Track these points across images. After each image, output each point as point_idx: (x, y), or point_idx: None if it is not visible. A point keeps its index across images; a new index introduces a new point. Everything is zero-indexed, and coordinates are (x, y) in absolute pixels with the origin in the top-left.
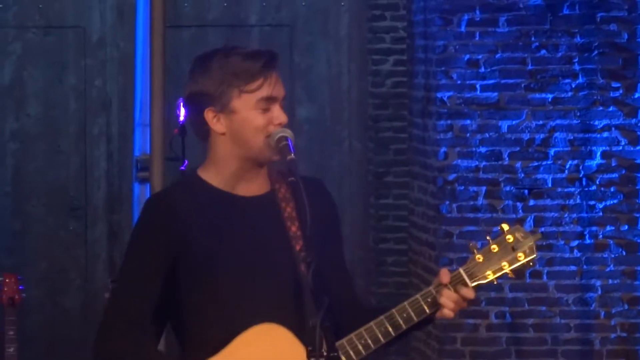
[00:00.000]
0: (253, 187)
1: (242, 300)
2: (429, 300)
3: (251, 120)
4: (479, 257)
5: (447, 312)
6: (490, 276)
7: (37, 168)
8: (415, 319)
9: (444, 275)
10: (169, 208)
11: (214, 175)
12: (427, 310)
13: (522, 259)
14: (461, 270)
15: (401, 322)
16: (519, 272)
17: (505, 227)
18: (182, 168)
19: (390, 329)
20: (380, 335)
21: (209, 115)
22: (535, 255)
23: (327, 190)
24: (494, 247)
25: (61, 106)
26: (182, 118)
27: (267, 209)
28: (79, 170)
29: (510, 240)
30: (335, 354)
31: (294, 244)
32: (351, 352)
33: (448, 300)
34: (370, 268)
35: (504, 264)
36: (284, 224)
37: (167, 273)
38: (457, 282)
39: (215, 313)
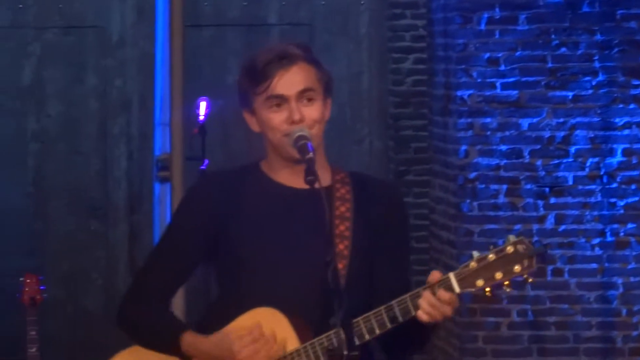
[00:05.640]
0: None
1: (266, 287)
2: (416, 301)
3: (266, 120)
4: (473, 264)
5: (421, 314)
6: (481, 284)
7: (58, 168)
8: (400, 318)
9: (433, 276)
10: (217, 188)
11: (269, 166)
12: (412, 312)
13: (517, 271)
14: (451, 275)
15: (387, 320)
16: (516, 284)
17: (511, 238)
18: (202, 167)
19: (375, 326)
20: (365, 331)
21: (246, 115)
22: (533, 269)
23: (397, 196)
24: (491, 256)
25: (81, 106)
26: (201, 117)
27: (316, 203)
28: (100, 170)
29: (510, 251)
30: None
31: (337, 242)
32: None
33: (424, 302)
34: None
35: (498, 274)
36: (331, 221)
37: (205, 250)
38: (444, 285)
39: (238, 295)
